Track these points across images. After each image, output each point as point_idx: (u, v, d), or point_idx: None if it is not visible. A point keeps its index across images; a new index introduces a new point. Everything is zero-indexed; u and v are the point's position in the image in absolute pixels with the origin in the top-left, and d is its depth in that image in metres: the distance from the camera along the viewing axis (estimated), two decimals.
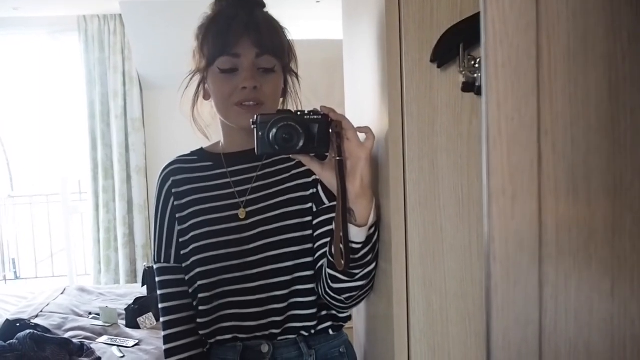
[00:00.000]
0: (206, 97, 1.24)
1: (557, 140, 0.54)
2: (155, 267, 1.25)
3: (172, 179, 1.25)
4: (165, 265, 1.23)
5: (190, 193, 1.23)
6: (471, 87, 0.95)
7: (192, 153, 1.30)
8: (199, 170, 1.25)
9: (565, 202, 0.55)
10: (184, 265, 1.21)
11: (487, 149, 0.53)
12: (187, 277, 1.21)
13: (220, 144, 1.28)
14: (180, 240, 1.21)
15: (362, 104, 1.26)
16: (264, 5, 1.24)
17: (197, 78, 1.24)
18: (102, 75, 4.70)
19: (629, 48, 0.53)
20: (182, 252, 1.21)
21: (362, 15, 1.22)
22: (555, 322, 0.55)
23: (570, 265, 0.55)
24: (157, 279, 1.25)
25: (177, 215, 1.22)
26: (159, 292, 1.24)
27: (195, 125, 1.29)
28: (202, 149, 1.30)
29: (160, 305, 1.23)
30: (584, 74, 0.54)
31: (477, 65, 0.93)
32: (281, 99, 1.27)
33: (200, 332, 1.21)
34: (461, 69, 0.95)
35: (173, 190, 1.24)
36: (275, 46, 1.18)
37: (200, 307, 1.19)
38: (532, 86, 0.53)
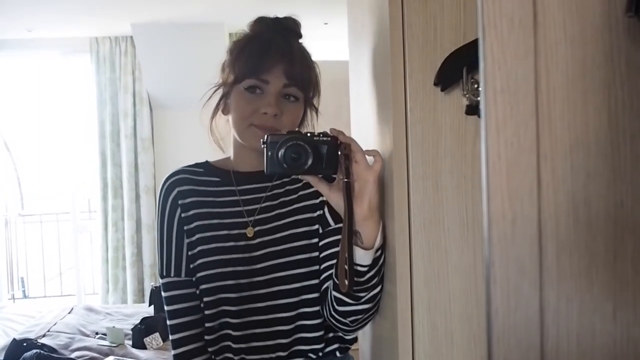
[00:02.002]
0: (225, 111, 1.24)
1: (556, 165, 0.54)
2: (162, 281, 1.21)
3: (177, 189, 1.22)
4: (175, 279, 1.20)
5: (196, 206, 1.21)
6: (475, 110, 0.95)
7: (198, 165, 1.28)
8: (205, 184, 1.24)
9: (565, 226, 0.55)
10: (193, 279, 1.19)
11: (487, 173, 0.54)
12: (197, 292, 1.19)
13: (230, 161, 1.27)
14: (190, 253, 1.20)
15: (368, 125, 1.26)
16: (300, 36, 1.25)
17: (220, 91, 1.24)
18: (112, 95, 4.75)
19: (628, 75, 0.54)
20: (191, 266, 1.19)
21: (367, 37, 1.23)
22: (557, 347, 0.55)
23: (571, 289, 0.55)
24: (164, 294, 1.21)
25: (185, 228, 1.20)
26: (167, 308, 1.20)
27: (211, 137, 1.28)
28: (207, 162, 1.29)
29: (169, 322, 1.20)
30: (583, 100, 0.54)
31: (480, 89, 0.94)
32: (296, 129, 1.27)
33: (209, 349, 1.20)
34: (465, 92, 0.95)
35: (179, 202, 1.21)
36: (304, 79, 1.19)
37: (207, 324, 1.18)
38: (531, 112, 0.54)
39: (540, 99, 0.54)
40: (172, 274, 1.21)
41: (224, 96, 1.23)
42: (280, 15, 1.24)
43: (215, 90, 1.25)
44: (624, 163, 0.54)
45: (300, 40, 1.25)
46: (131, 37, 4.63)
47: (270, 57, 1.16)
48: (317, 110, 1.29)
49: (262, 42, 1.18)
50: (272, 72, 1.15)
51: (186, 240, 1.20)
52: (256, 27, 1.23)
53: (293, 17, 1.25)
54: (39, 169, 6.77)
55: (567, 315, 0.55)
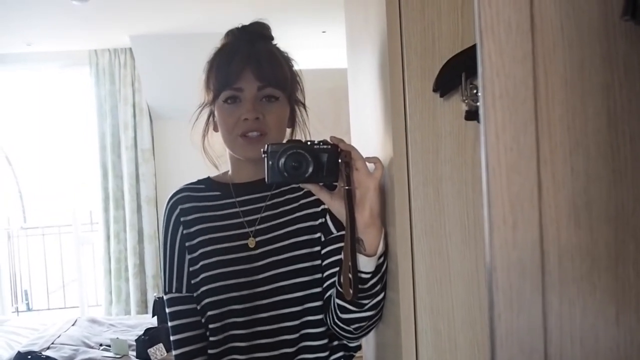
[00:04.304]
0: (216, 129, 1.25)
1: (556, 169, 0.54)
2: (165, 297, 1.23)
3: (180, 207, 1.24)
4: (177, 295, 1.21)
5: (198, 222, 1.22)
6: (474, 115, 0.95)
7: (199, 181, 1.29)
8: (206, 199, 1.25)
9: (566, 230, 0.55)
10: (194, 294, 1.20)
11: (487, 179, 0.54)
12: (198, 307, 1.20)
13: (228, 174, 1.28)
14: (191, 269, 1.20)
15: (367, 132, 1.26)
16: (269, 38, 1.25)
17: (206, 110, 1.26)
18: (112, 107, 4.77)
19: (626, 77, 0.54)
20: (192, 281, 1.20)
21: (365, 45, 1.23)
22: (560, 350, 0.55)
23: (574, 293, 0.55)
24: (168, 310, 1.22)
25: (187, 244, 1.21)
26: (170, 323, 1.21)
27: (205, 156, 1.30)
28: (209, 177, 1.30)
29: (172, 338, 1.21)
30: (582, 103, 0.55)
31: (479, 94, 0.94)
32: (290, 130, 1.28)
33: None
34: (464, 98, 0.95)
35: (182, 219, 1.23)
36: (277, 78, 1.19)
37: (211, 338, 1.18)
38: (530, 116, 0.54)
39: (539, 103, 0.54)
40: (174, 290, 1.22)
41: (211, 114, 1.25)
42: (256, 22, 1.25)
43: (201, 111, 1.27)
44: (624, 165, 0.54)
45: (273, 42, 1.25)
46: (130, 49, 4.64)
47: (236, 64, 1.17)
48: (304, 106, 1.29)
49: (227, 52, 1.20)
50: (242, 78, 1.16)
51: (188, 257, 1.21)
52: (224, 40, 1.25)
53: (260, 21, 1.26)
54: (40, 182, 6.78)
55: (570, 319, 0.55)
